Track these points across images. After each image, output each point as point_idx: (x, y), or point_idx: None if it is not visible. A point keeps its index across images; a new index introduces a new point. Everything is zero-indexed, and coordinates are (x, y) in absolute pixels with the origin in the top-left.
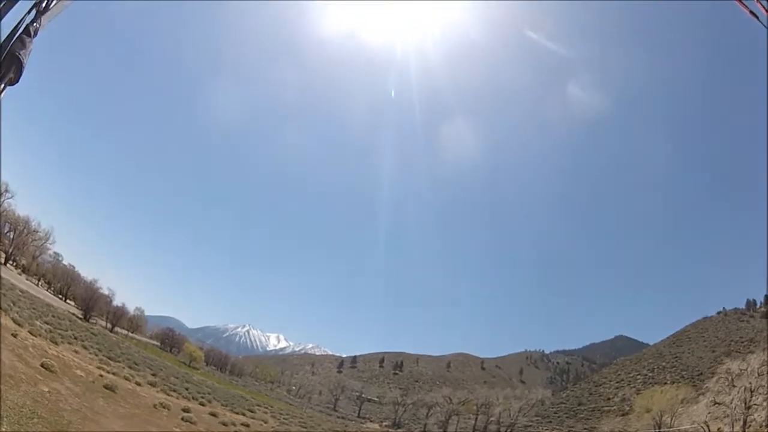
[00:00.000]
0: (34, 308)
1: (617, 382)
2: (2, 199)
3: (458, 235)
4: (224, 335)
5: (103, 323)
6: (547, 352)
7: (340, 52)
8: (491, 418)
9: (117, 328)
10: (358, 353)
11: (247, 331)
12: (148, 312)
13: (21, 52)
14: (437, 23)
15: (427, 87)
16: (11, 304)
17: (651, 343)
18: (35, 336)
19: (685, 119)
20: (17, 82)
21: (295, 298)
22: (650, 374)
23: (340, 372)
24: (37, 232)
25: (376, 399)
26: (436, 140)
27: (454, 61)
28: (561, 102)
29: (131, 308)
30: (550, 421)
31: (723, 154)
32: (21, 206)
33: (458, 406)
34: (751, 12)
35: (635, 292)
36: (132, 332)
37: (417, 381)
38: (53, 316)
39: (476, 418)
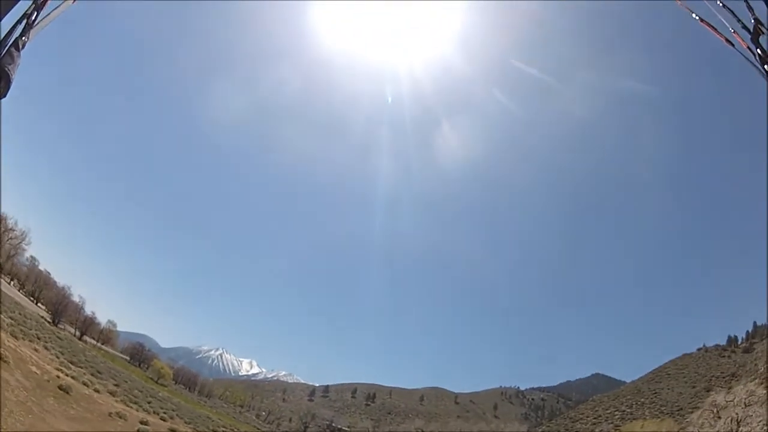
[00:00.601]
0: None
1: (594, 418)
2: None
3: (436, 268)
4: (197, 357)
5: (72, 330)
6: (522, 388)
7: (336, 55)
8: None
9: (86, 337)
10: (330, 383)
11: (220, 355)
12: (122, 327)
13: (9, 67)
14: (434, 26)
15: (420, 95)
16: None
17: (628, 381)
18: None
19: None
20: (5, 96)
21: (269, 325)
22: (629, 410)
23: (311, 400)
24: (13, 230)
25: (346, 429)
26: (422, 158)
27: (450, 64)
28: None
29: (103, 321)
30: None
31: (705, 188)
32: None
33: None
34: (727, 40)
35: (612, 330)
36: (102, 344)
37: (389, 413)
38: (19, 314)
39: None
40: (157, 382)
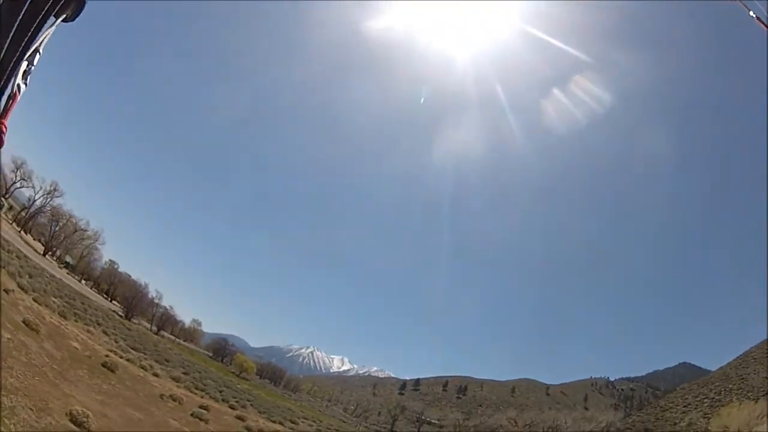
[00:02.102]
0: (59, 290)
1: (684, 406)
2: (51, 198)
3: (522, 260)
4: (287, 355)
5: (147, 325)
6: (612, 379)
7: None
8: None
9: (163, 332)
10: (421, 376)
11: (311, 353)
12: (211, 329)
13: None
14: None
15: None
16: (27, 277)
17: (714, 369)
18: (39, 304)
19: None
20: (73, 20)
21: (360, 322)
22: (717, 397)
23: (401, 394)
24: (85, 231)
25: (435, 421)
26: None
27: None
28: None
29: (187, 320)
30: None
31: None
32: (86, 210)
33: (524, 429)
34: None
35: (697, 318)
36: (184, 340)
37: (480, 405)
38: (81, 303)
39: None
40: (238, 376)
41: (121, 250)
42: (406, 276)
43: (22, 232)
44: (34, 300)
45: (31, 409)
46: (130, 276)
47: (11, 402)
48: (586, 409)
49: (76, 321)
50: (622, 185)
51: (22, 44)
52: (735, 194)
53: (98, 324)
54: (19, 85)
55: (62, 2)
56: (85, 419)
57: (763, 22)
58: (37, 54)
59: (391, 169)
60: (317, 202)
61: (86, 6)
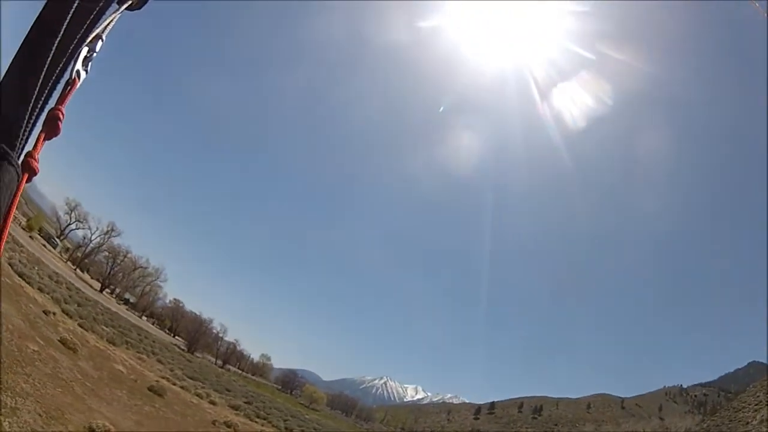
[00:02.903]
0: (111, 320)
1: (755, 405)
2: (108, 237)
3: (586, 272)
4: (361, 387)
5: (212, 359)
6: (685, 386)
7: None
8: None
9: (229, 366)
10: (496, 399)
11: (385, 383)
12: (280, 365)
13: None
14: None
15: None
16: (75, 306)
17: None
18: (86, 330)
19: None
20: (140, 8)
21: (432, 348)
22: None
23: (476, 419)
24: (146, 268)
25: None
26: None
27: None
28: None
29: (256, 356)
30: None
31: None
32: (152, 247)
33: None
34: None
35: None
36: (252, 375)
37: (556, 424)
38: (137, 334)
39: None
40: (308, 407)
41: (191, 288)
42: (473, 302)
43: (78, 270)
44: (80, 325)
45: (39, 414)
46: (195, 313)
47: (15, 403)
48: (662, 419)
49: (127, 348)
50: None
51: (83, 28)
52: None
53: (153, 353)
54: (78, 71)
55: None
56: None
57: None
58: (100, 40)
59: (446, 199)
60: (390, 241)
61: None
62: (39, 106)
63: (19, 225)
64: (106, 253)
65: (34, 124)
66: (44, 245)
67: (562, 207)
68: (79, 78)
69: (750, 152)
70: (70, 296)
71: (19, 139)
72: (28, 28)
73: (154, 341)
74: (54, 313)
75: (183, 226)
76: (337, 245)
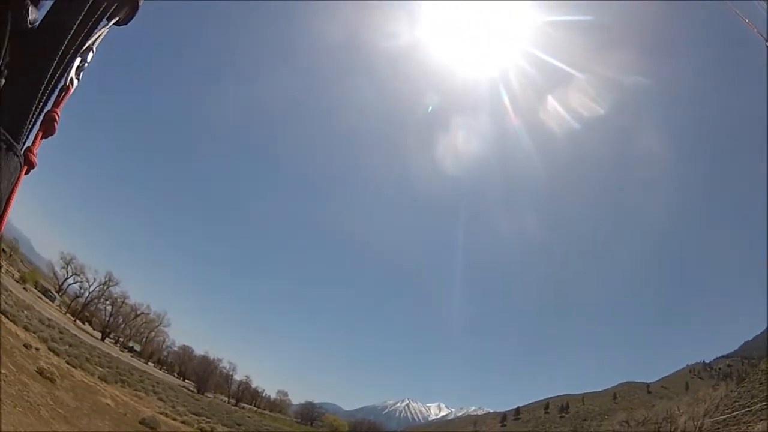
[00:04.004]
0: (109, 362)
1: None
2: (107, 288)
3: (591, 265)
4: (384, 412)
5: (224, 398)
6: (707, 361)
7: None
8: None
9: (243, 405)
10: (521, 404)
11: (407, 405)
12: (299, 400)
13: None
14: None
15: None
16: (67, 346)
17: None
18: (74, 367)
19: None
20: (126, 23)
21: (449, 364)
22: None
23: (503, 426)
24: (147, 314)
25: None
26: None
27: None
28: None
29: (272, 393)
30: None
31: None
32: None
33: (638, 428)
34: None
35: None
36: (270, 412)
37: (585, 419)
38: (139, 376)
39: None
40: None
41: (201, 332)
42: (480, 313)
43: (78, 321)
44: (68, 363)
45: None
46: (203, 355)
47: None
48: (687, 398)
49: (122, 386)
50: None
51: (78, 41)
52: None
53: (154, 392)
54: (72, 79)
55: (116, 6)
56: None
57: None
58: (91, 52)
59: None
60: (404, 276)
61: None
62: (39, 107)
63: (12, 278)
64: (106, 303)
65: (34, 123)
66: (40, 297)
67: (561, 192)
68: (72, 85)
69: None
70: (60, 338)
71: (23, 134)
72: (34, 38)
73: (157, 383)
74: (37, 349)
75: (187, 268)
76: (337, 274)
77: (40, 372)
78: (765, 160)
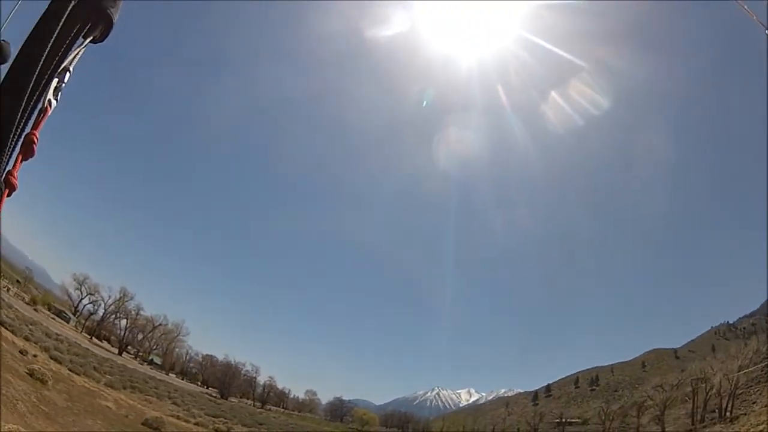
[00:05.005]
0: (121, 372)
1: None
2: (122, 303)
3: (605, 236)
4: (414, 403)
5: (249, 402)
6: (731, 321)
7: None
8: (712, 390)
9: (270, 407)
10: (551, 381)
11: (437, 394)
12: (329, 398)
13: (111, 10)
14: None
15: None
16: (72, 356)
17: None
18: (77, 374)
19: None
20: (102, 41)
21: (474, 348)
22: None
23: (535, 404)
24: (166, 325)
25: (577, 420)
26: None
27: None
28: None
29: (300, 394)
30: None
31: None
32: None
33: (672, 391)
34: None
35: None
36: (299, 412)
37: (616, 390)
38: (155, 384)
39: (695, 397)
40: (361, 430)
41: (228, 338)
42: (500, 294)
43: (94, 339)
44: (71, 370)
45: None
46: (226, 361)
47: None
48: (716, 358)
49: (131, 392)
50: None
51: (54, 62)
52: None
53: (169, 398)
54: (50, 100)
55: (90, 25)
56: None
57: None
58: (68, 72)
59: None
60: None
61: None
62: (18, 131)
63: (22, 300)
64: (122, 318)
65: (14, 146)
66: (53, 318)
67: (578, 169)
68: (50, 106)
69: None
70: (67, 349)
71: (3, 158)
72: (10, 62)
73: (175, 390)
74: (35, 355)
75: (211, 278)
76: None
77: (31, 373)
78: None
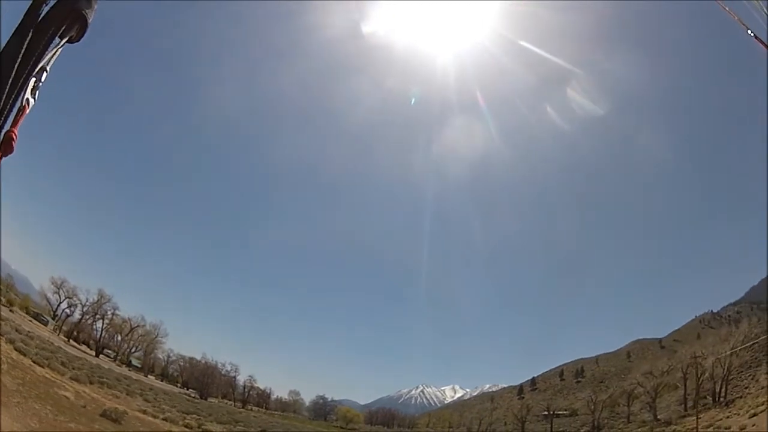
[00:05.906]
0: (91, 370)
1: None
2: (99, 306)
3: (586, 228)
4: (399, 401)
5: (229, 402)
6: (715, 310)
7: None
8: (704, 375)
9: (252, 407)
10: (535, 374)
11: (421, 391)
12: (312, 398)
13: (87, 11)
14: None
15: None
16: (38, 349)
17: None
18: (41, 366)
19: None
20: (78, 41)
21: (455, 344)
22: None
23: (521, 398)
24: (142, 326)
25: (565, 411)
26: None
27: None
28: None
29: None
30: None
31: None
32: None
33: (663, 377)
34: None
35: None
36: (282, 412)
37: (602, 381)
38: (127, 383)
39: (686, 382)
40: (345, 428)
41: (209, 340)
42: (485, 288)
43: (72, 342)
44: (34, 362)
45: None
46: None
47: None
48: (705, 345)
49: (99, 387)
50: None
51: (31, 62)
52: None
53: (140, 394)
54: (28, 99)
55: (67, 25)
56: None
57: (761, 41)
58: (45, 72)
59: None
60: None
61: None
62: None
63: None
64: (98, 320)
65: None
66: (30, 321)
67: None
68: (29, 105)
69: None
70: (36, 345)
71: None
72: None
73: (150, 389)
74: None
75: (185, 276)
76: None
77: None
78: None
